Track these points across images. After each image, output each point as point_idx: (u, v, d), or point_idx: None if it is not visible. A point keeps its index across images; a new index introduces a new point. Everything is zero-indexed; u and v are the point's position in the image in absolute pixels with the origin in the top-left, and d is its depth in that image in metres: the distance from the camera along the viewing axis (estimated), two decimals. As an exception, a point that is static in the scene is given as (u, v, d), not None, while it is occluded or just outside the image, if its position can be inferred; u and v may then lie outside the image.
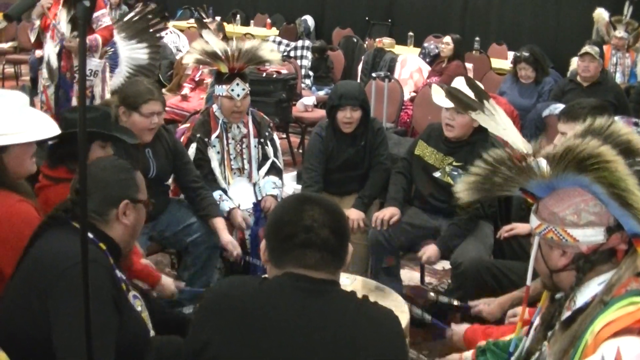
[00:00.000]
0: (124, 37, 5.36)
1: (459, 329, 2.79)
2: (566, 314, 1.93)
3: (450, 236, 3.90)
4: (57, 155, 2.98)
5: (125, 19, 5.51)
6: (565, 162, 1.87)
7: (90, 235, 2.19)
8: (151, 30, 5.41)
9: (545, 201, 1.97)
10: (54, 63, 5.21)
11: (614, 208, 1.85)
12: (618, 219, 1.86)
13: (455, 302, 3.40)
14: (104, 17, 5.30)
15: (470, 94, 2.26)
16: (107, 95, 5.27)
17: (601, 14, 8.74)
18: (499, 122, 2.15)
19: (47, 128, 2.66)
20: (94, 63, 5.24)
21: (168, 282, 3.40)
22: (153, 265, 3.46)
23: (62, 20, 5.15)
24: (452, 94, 2.30)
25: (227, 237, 3.92)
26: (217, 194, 4.17)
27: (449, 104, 3.93)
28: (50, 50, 5.22)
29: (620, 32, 8.28)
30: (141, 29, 5.38)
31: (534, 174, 1.94)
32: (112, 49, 5.38)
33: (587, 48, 6.26)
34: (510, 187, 2.03)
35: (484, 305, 3.24)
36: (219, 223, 3.96)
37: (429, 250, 3.92)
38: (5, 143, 2.53)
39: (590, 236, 1.89)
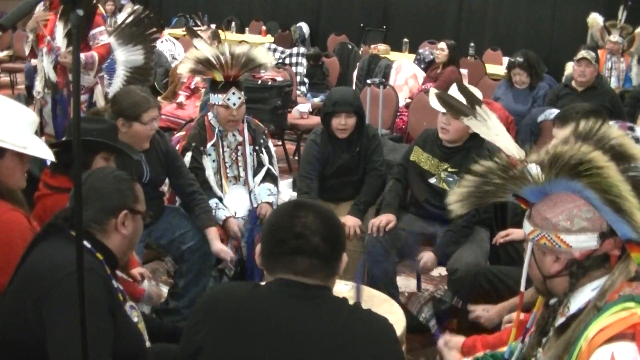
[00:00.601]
0: (120, 43, 5.35)
1: (456, 338, 2.77)
2: (560, 319, 1.93)
3: (447, 243, 3.91)
4: (59, 163, 2.99)
5: (122, 25, 5.49)
6: (558, 167, 1.86)
7: (87, 244, 2.20)
8: (147, 33, 5.39)
9: (538, 207, 1.96)
10: (53, 78, 5.22)
11: (607, 214, 1.84)
12: (611, 225, 1.86)
13: (454, 303, 3.39)
14: (101, 34, 5.29)
15: (463, 99, 2.26)
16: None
17: (595, 19, 8.75)
18: (491, 127, 2.15)
19: (46, 152, 2.69)
20: (86, 80, 5.24)
21: (152, 290, 3.37)
22: (149, 273, 3.45)
23: (58, 34, 5.16)
24: (444, 99, 2.31)
25: (218, 246, 3.92)
26: (212, 202, 4.17)
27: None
28: (47, 66, 5.24)
29: (615, 37, 8.29)
30: (137, 33, 5.38)
31: (527, 180, 1.94)
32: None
33: (583, 53, 6.27)
34: (503, 193, 2.02)
35: (483, 311, 3.23)
36: (212, 232, 3.96)
37: (426, 256, 3.92)
38: (5, 146, 2.54)
39: (584, 242, 1.88)
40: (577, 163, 1.83)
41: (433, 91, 4.24)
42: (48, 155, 2.68)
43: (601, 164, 1.82)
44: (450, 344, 2.72)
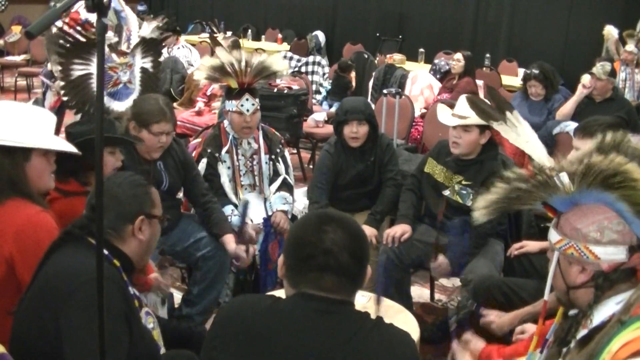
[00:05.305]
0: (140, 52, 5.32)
1: (476, 340, 2.76)
2: (582, 332, 1.92)
3: (460, 253, 3.90)
4: (66, 169, 3.02)
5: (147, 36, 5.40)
6: (590, 178, 1.86)
7: (104, 251, 2.20)
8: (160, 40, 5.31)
9: (567, 216, 1.96)
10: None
11: (638, 227, 1.85)
12: None
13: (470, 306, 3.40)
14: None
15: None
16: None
17: (610, 32, 8.58)
18: (520, 134, 2.14)
19: (68, 146, 2.75)
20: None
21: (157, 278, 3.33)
22: (160, 278, 3.45)
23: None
24: (475, 102, 2.30)
25: (235, 247, 3.91)
26: (228, 209, 4.18)
27: (455, 122, 3.94)
28: None
29: (630, 47, 8.20)
30: (153, 43, 5.32)
31: (557, 189, 1.94)
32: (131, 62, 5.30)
33: (597, 67, 6.22)
34: (531, 200, 2.02)
35: (496, 317, 3.22)
36: (228, 237, 3.96)
37: (440, 258, 3.92)
38: (30, 146, 2.59)
39: (612, 254, 1.88)
40: (611, 174, 1.83)
41: (441, 106, 4.23)
42: (71, 148, 2.73)
43: (636, 176, 1.82)
44: (469, 345, 2.71)
